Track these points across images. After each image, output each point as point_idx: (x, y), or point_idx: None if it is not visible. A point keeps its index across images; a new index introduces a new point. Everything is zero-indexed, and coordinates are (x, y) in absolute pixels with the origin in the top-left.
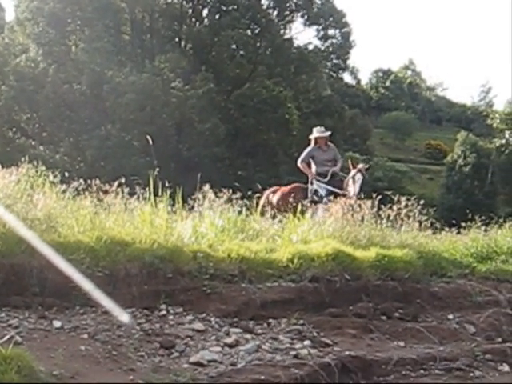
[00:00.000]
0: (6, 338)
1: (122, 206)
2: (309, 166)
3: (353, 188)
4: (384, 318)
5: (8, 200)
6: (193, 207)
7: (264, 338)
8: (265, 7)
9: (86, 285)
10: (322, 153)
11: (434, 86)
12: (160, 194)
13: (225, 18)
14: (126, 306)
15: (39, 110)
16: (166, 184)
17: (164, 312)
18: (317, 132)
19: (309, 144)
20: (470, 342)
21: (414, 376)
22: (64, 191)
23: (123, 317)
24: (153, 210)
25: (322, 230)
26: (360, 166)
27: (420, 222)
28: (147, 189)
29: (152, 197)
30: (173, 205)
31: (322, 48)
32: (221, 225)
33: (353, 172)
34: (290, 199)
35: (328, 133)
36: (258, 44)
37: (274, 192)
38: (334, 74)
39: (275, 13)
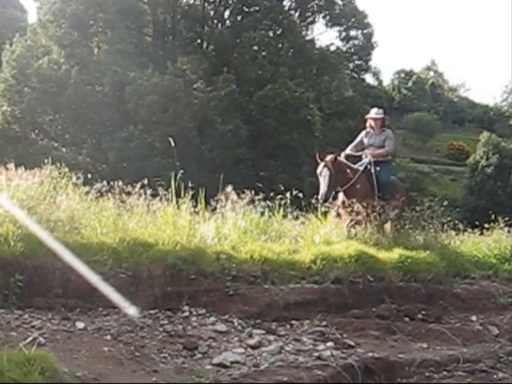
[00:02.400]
0: (29, 339)
1: (144, 208)
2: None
3: (321, 187)
4: (407, 319)
5: (31, 202)
6: (215, 208)
7: (287, 339)
8: (286, 8)
9: (109, 286)
10: (373, 136)
11: (456, 86)
12: (182, 195)
13: (246, 20)
14: (149, 307)
15: (62, 111)
16: (189, 185)
17: (187, 313)
18: (372, 114)
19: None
20: (493, 343)
21: (438, 378)
22: (87, 193)
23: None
24: (175, 212)
25: (344, 231)
26: (328, 158)
27: (443, 223)
28: (170, 190)
29: (175, 198)
30: (195, 206)
31: (344, 49)
32: (243, 226)
33: (319, 167)
34: None
35: (381, 116)
36: (280, 45)
37: None
38: (356, 75)
39: (297, 14)
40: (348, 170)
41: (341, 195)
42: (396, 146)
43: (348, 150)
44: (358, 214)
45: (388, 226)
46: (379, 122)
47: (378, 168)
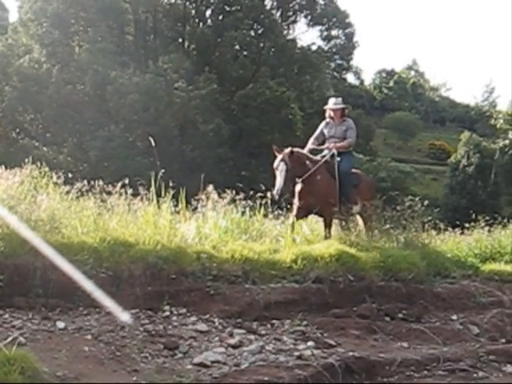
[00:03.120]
0: (9, 339)
1: (125, 207)
2: (323, 143)
3: (277, 182)
4: (388, 318)
5: (12, 201)
6: (196, 208)
7: (268, 338)
8: (268, 8)
9: (90, 286)
10: (334, 127)
11: (437, 86)
12: (163, 194)
13: (228, 19)
14: (130, 306)
15: (43, 110)
16: (170, 185)
17: (168, 313)
18: (331, 104)
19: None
20: (473, 342)
21: (418, 377)
22: (67, 192)
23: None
24: (156, 211)
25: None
26: (286, 150)
27: (424, 223)
28: (150, 190)
29: (155, 198)
30: (176, 205)
31: (326, 48)
32: (224, 226)
33: (276, 160)
34: None
35: (341, 105)
36: (262, 44)
37: None
38: (338, 75)
39: (278, 13)
40: (307, 162)
41: (298, 186)
42: (353, 138)
43: (310, 144)
44: (311, 205)
45: (360, 222)
46: (339, 112)
47: (338, 159)
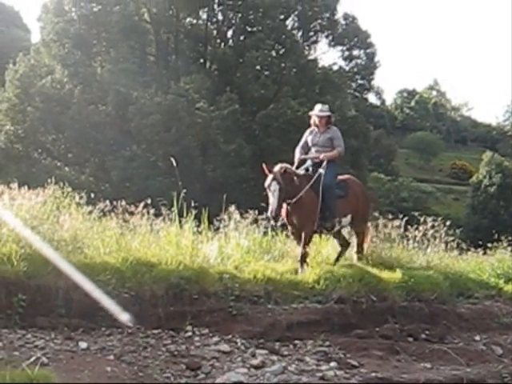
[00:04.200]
0: (32, 359)
1: (147, 227)
2: (307, 152)
3: (270, 203)
4: (410, 339)
5: (34, 221)
6: (218, 228)
7: (290, 359)
8: (289, 28)
9: (112, 306)
10: (318, 135)
11: (458, 106)
12: (185, 214)
13: (249, 39)
14: (152, 327)
15: (65, 131)
16: (192, 205)
17: (190, 333)
18: (316, 111)
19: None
20: (496, 363)
21: None
22: (90, 212)
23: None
24: (178, 231)
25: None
26: (276, 169)
27: (446, 243)
28: (172, 210)
29: (177, 218)
30: (198, 226)
31: (347, 68)
32: (246, 246)
33: (267, 180)
34: None
35: (327, 113)
36: (283, 65)
37: None
38: (359, 95)
39: (300, 34)
40: (295, 178)
41: (284, 206)
42: (343, 147)
43: (298, 154)
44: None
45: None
46: (324, 119)
47: (322, 171)
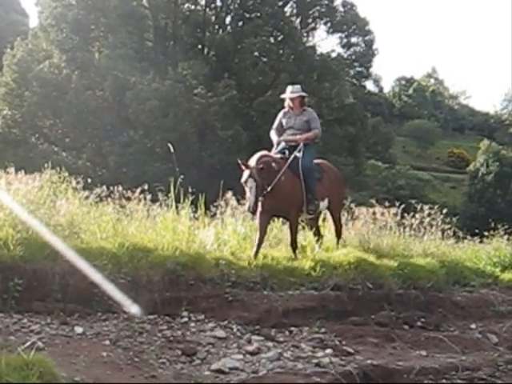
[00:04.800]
0: (28, 343)
1: (144, 213)
2: (281, 135)
3: (248, 199)
4: (406, 327)
5: (31, 206)
6: (215, 214)
7: (286, 345)
8: (288, 15)
9: (108, 291)
10: (293, 117)
11: (456, 94)
12: (182, 200)
13: (248, 26)
14: (148, 312)
15: (62, 116)
16: (189, 191)
17: (186, 319)
18: (288, 92)
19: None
20: (492, 351)
21: None
22: (87, 197)
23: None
24: (175, 217)
25: (344, 238)
26: (252, 164)
27: (443, 231)
28: (169, 195)
29: (174, 203)
30: (195, 212)
31: (345, 56)
32: (243, 232)
33: (244, 176)
34: None
35: (298, 93)
36: (281, 51)
37: None
38: (357, 82)
39: (298, 20)
40: (273, 164)
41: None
42: (319, 128)
43: (275, 137)
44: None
45: (331, 221)
46: (297, 100)
47: (299, 154)
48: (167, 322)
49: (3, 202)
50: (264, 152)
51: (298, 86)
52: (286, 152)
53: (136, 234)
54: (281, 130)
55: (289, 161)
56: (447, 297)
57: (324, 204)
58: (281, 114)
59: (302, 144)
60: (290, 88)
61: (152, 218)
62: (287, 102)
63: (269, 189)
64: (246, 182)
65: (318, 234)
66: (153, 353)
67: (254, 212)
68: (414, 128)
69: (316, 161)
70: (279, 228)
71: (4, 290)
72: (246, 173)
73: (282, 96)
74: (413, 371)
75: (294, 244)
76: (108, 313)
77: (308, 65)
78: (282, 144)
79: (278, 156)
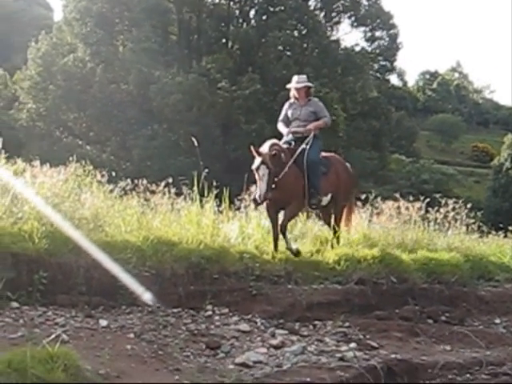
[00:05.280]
0: (52, 336)
1: (168, 206)
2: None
3: (258, 187)
4: (430, 321)
5: (56, 199)
6: (239, 208)
7: (310, 339)
8: (312, 8)
9: (133, 284)
10: (298, 108)
11: (481, 88)
12: (206, 194)
13: (272, 19)
14: (173, 305)
15: (86, 109)
16: (213, 184)
17: (210, 312)
18: (294, 82)
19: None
20: None
21: (460, 380)
22: (111, 191)
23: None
24: (199, 211)
25: (368, 232)
26: (265, 150)
27: (467, 225)
28: (193, 189)
29: (198, 197)
30: (219, 205)
31: (369, 49)
32: (267, 226)
33: (255, 163)
34: None
35: (305, 84)
36: (305, 45)
37: None
38: (381, 76)
39: (322, 14)
40: (283, 155)
41: None
42: (329, 117)
43: (283, 128)
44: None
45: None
46: (303, 91)
47: (304, 146)
48: (191, 315)
49: (28, 195)
50: (274, 140)
51: (304, 77)
52: (293, 143)
53: (160, 228)
54: (287, 122)
55: (297, 152)
56: (471, 291)
57: (327, 199)
58: (286, 105)
59: (312, 135)
60: (295, 78)
61: (176, 211)
62: (292, 93)
63: (280, 177)
64: (257, 168)
65: (333, 229)
66: (177, 346)
67: (263, 201)
68: (438, 122)
69: (325, 154)
70: (304, 222)
71: (29, 283)
72: (258, 160)
73: (288, 86)
74: (437, 366)
75: (282, 228)
76: (132, 306)
77: (332, 59)
78: (290, 136)
79: (285, 147)
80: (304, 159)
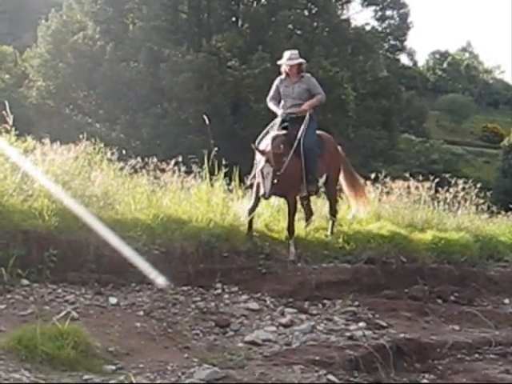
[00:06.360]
0: (62, 313)
1: (178, 185)
2: (278, 103)
3: (263, 184)
4: (439, 301)
5: (66, 177)
6: (249, 186)
7: (319, 318)
8: None
9: (142, 262)
10: (290, 86)
11: (491, 68)
12: (216, 172)
13: None
14: (182, 283)
15: (96, 87)
16: (222, 163)
17: (219, 291)
18: (285, 58)
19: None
20: None
21: (469, 360)
22: (121, 168)
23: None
24: (209, 189)
25: (378, 211)
26: (268, 149)
27: (476, 206)
28: (203, 167)
29: (208, 175)
30: (229, 184)
31: (380, 29)
32: (277, 204)
33: (261, 162)
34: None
35: (297, 60)
36: (315, 24)
37: None
38: (391, 55)
39: None
40: (281, 146)
41: (264, 164)
42: (323, 94)
43: (274, 107)
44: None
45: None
46: (295, 68)
47: (300, 128)
48: (201, 293)
49: (38, 172)
50: (274, 133)
51: (296, 52)
52: (288, 126)
53: (170, 206)
54: (278, 98)
55: (294, 144)
56: (481, 271)
57: (322, 181)
58: (277, 81)
59: (307, 116)
60: (287, 54)
61: (186, 189)
62: (283, 68)
63: (281, 171)
64: (262, 168)
65: (308, 212)
66: (186, 324)
67: (269, 197)
68: (447, 102)
69: (317, 132)
70: (313, 200)
71: (39, 261)
72: (263, 159)
73: (279, 62)
74: (446, 345)
75: (290, 227)
76: (142, 284)
77: (342, 38)
78: (283, 116)
79: (282, 133)
80: (301, 148)
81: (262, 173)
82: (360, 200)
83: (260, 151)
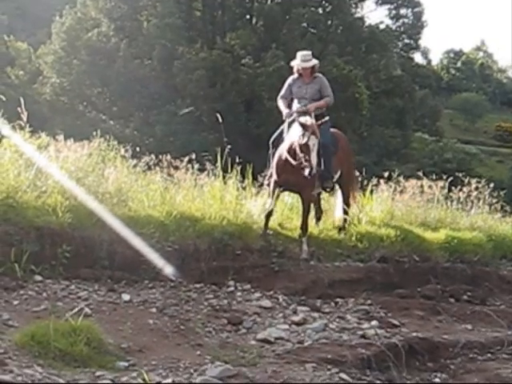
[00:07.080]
0: (75, 309)
1: (191, 182)
2: (289, 104)
3: (308, 160)
4: (452, 300)
5: (80, 173)
6: (262, 184)
7: (331, 317)
8: None
9: (156, 259)
10: (303, 86)
11: (505, 67)
12: (230, 170)
13: None
14: (195, 281)
15: (110, 84)
16: (236, 161)
17: (232, 288)
18: (299, 60)
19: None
20: None
21: (481, 360)
22: (135, 166)
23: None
24: (222, 187)
25: (391, 210)
26: (308, 122)
27: (490, 205)
28: (217, 165)
29: (222, 173)
30: (242, 181)
31: (394, 27)
32: (290, 202)
33: (305, 136)
34: None
35: (311, 63)
36: (329, 22)
37: None
38: (405, 54)
39: None
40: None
41: (279, 159)
42: (332, 96)
43: (284, 108)
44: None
45: (339, 194)
46: (308, 70)
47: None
48: (213, 290)
49: (52, 169)
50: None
51: (309, 53)
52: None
53: (183, 203)
54: (288, 98)
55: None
56: (494, 271)
57: (336, 177)
58: (290, 80)
59: (326, 119)
60: (300, 55)
61: (199, 187)
62: (296, 69)
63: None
64: (307, 141)
65: (319, 211)
66: (199, 321)
67: (314, 175)
68: (461, 101)
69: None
70: (326, 199)
71: (52, 257)
72: (307, 132)
73: (292, 64)
74: (458, 345)
75: (304, 225)
76: (155, 281)
77: (356, 36)
78: (295, 115)
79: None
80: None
81: (308, 146)
82: (348, 200)
83: (302, 124)
